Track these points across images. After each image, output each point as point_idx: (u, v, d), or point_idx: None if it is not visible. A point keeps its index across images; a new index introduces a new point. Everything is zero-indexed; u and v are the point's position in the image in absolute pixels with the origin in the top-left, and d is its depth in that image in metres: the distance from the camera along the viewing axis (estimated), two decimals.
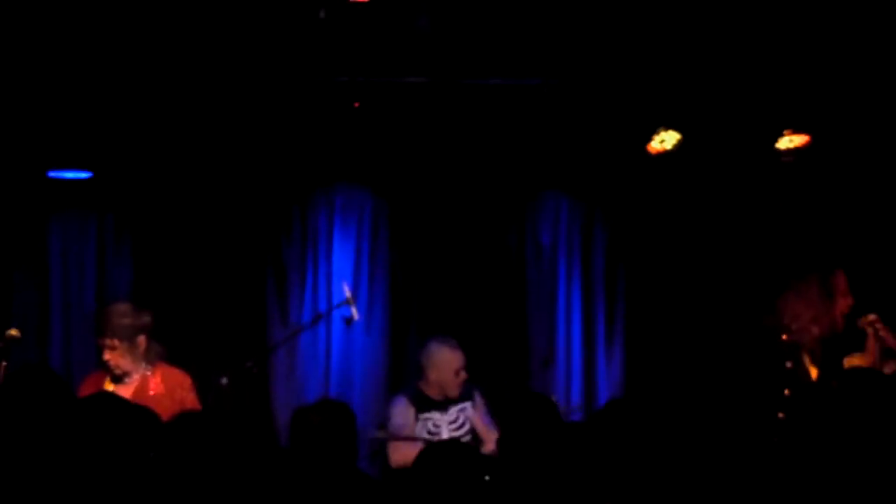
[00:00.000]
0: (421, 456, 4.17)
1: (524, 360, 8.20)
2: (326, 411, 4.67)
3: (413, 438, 6.89)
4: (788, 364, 6.42)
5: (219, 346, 7.83)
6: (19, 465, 4.31)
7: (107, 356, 6.21)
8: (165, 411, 5.80)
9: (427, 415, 6.99)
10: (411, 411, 7.00)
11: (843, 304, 6.52)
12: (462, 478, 4.03)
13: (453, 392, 7.00)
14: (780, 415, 6.23)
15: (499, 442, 4.92)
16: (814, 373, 6.49)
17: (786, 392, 6.31)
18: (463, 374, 7.00)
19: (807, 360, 6.51)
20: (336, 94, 7.31)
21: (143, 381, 6.26)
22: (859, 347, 6.43)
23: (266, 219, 8.10)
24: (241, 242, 8.05)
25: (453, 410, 7.01)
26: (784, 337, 6.45)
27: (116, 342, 6.19)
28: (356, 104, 7.34)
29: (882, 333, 6.37)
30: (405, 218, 8.24)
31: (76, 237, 8.09)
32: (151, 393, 6.19)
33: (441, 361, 7.02)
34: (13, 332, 6.39)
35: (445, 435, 6.89)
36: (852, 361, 6.41)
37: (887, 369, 6.33)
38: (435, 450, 4.26)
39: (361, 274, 8.15)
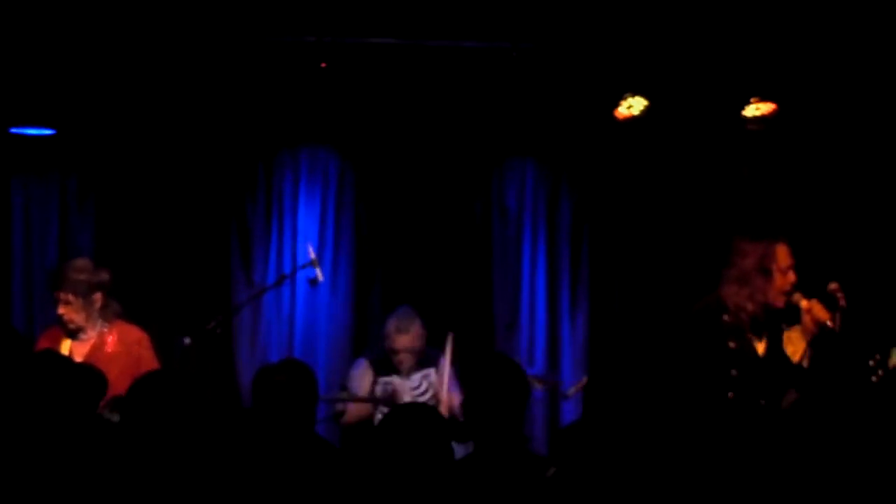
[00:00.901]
0: (384, 419, 4.17)
1: (488, 325, 8.22)
2: (290, 371, 4.66)
3: (372, 400, 6.91)
4: (732, 344, 6.39)
5: (182, 306, 7.82)
6: None
7: (61, 310, 6.21)
8: (122, 368, 5.83)
9: (387, 378, 6.99)
10: (369, 374, 7.02)
11: (782, 280, 6.44)
12: (426, 441, 4.02)
13: (401, 368, 7.00)
14: (730, 395, 6.25)
15: (463, 404, 4.91)
16: (760, 348, 6.46)
17: (733, 373, 6.30)
18: (405, 356, 6.99)
19: (752, 338, 6.42)
20: (303, 53, 7.26)
21: (99, 337, 6.25)
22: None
23: (230, 178, 8.07)
24: (205, 202, 8.02)
25: (416, 377, 7.01)
26: (725, 318, 6.40)
27: (71, 297, 6.18)
28: (323, 64, 7.30)
29: (842, 303, 6.37)
30: (371, 180, 8.22)
31: (39, 197, 8.04)
32: (108, 350, 6.19)
33: (387, 335, 7.05)
34: None
35: (407, 399, 6.88)
36: (790, 335, 6.42)
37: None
38: (398, 413, 4.26)
39: (326, 235, 8.13)
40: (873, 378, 6.14)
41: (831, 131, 7.83)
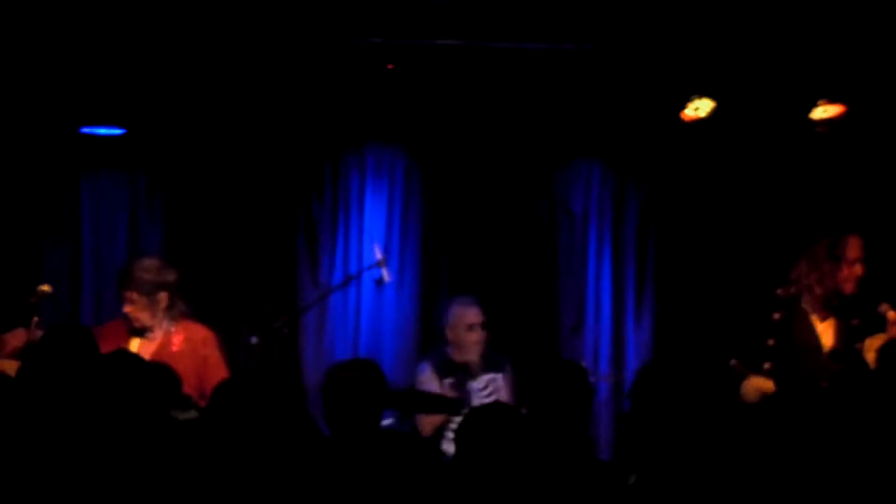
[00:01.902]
0: (466, 418, 4.18)
1: (554, 327, 8.21)
2: (359, 369, 4.70)
3: (447, 402, 6.87)
4: (776, 315, 6.50)
5: (249, 306, 7.87)
6: (46, 421, 4.35)
7: (127, 308, 6.28)
8: (188, 367, 5.89)
9: (452, 380, 6.98)
10: (435, 378, 7.00)
11: (848, 270, 6.56)
12: (506, 442, 4.03)
13: (472, 353, 6.96)
14: (767, 365, 6.33)
15: (527, 410, 4.90)
16: (824, 330, 6.56)
17: (769, 342, 6.39)
18: (478, 332, 6.96)
19: (814, 320, 6.62)
20: (370, 54, 7.30)
21: (166, 336, 6.30)
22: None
23: (298, 178, 8.10)
24: (273, 202, 8.06)
25: (484, 378, 6.99)
26: (779, 291, 6.56)
27: (136, 296, 6.24)
28: (390, 66, 7.33)
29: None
30: (437, 180, 8.23)
31: (108, 196, 8.11)
32: (174, 349, 6.23)
33: (454, 318, 7.03)
34: (45, 287, 6.47)
35: (476, 402, 6.84)
36: (872, 343, 6.43)
37: None
38: (479, 412, 4.26)
39: (393, 236, 8.15)
40: None
41: None
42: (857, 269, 6.60)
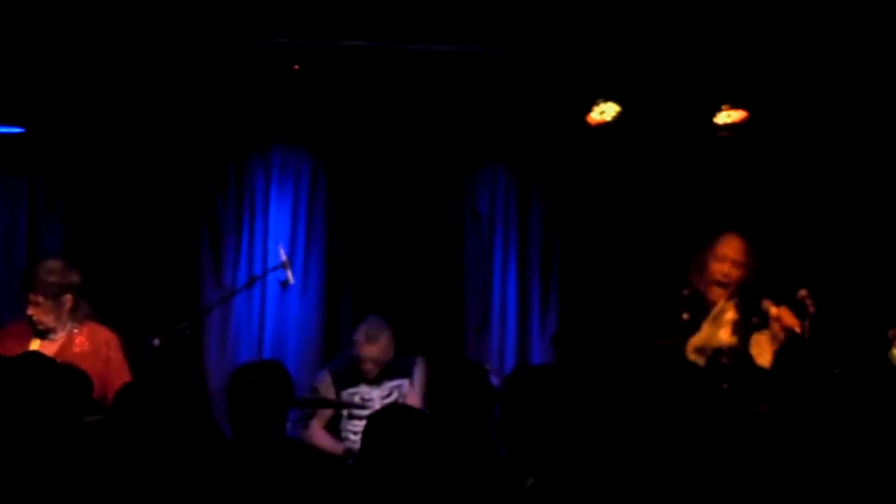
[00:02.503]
0: (370, 420, 4.17)
1: (459, 328, 8.22)
2: (264, 371, 4.65)
3: (342, 405, 6.91)
4: (685, 316, 6.60)
5: (152, 308, 7.77)
6: None
7: (30, 311, 6.17)
8: (90, 369, 5.75)
9: (353, 389, 7.00)
10: (332, 389, 7.03)
11: (717, 266, 6.65)
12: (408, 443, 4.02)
13: (367, 376, 7.03)
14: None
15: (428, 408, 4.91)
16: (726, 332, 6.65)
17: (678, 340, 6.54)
18: (369, 366, 7.00)
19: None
20: (276, 55, 7.26)
21: (68, 338, 6.20)
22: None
23: (201, 178, 8.02)
24: (176, 202, 7.97)
25: (388, 385, 7.01)
26: (684, 292, 6.72)
27: (41, 298, 6.14)
28: (296, 66, 7.30)
29: (811, 309, 6.46)
30: (343, 182, 8.19)
31: (7, 196, 7.98)
32: (76, 350, 6.14)
33: (355, 343, 7.08)
34: None
35: (378, 407, 6.87)
36: (758, 338, 6.54)
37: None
38: (382, 414, 4.25)
39: (298, 237, 8.11)
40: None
41: (802, 138, 7.87)
42: (725, 268, 6.64)
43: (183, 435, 3.98)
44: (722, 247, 6.68)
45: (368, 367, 7.01)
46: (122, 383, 4.81)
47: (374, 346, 7.00)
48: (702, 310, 6.66)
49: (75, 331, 6.23)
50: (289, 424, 6.29)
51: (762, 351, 6.57)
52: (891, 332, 6.59)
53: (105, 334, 6.32)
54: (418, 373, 7.07)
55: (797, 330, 6.42)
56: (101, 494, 3.86)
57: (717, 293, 6.63)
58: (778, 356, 6.22)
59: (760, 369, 6.39)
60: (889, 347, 6.57)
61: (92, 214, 7.95)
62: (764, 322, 6.56)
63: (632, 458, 3.90)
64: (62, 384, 4.27)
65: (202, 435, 4.29)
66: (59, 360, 5.58)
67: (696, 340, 6.57)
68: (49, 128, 7.74)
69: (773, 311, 6.51)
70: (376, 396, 6.98)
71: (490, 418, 4.80)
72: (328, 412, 7.08)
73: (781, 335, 6.48)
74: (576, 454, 4.00)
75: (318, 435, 7.04)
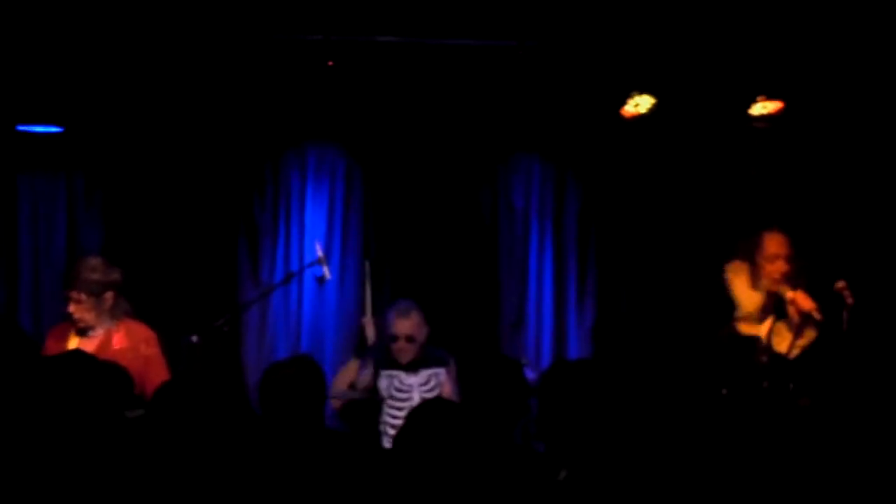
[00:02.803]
0: (410, 416, 4.19)
1: (495, 322, 8.22)
2: (298, 366, 4.68)
3: (378, 398, 6.91)
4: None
5: (190, 305, 7.82)
6: None
7: (72, 308, 6.21)
8: (129, 366, 5.78)
9: (390, 371, 6.98)
10: (370, 367, 7.01)
11: (769, 267, 6.62)
12: (445, 437, 4.03)
13: (400, 357, 6.97)
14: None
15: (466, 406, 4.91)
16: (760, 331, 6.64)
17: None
18: (402, 343, 6.96)
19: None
20: (310, 52, 7.27)
21: (107, 335, 6.24)
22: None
23: (238, 176, 8.06)
24: (213, 200, 8.02)
25: (424, 373, 7.00)
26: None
27: (83, 296, 6.18)
28: (330, 63, 7.31)
29: (849, 301, 6.45)
30: (378, 178, 8.21)
31: (46, 194, 8.04)
32: (115, 347, 6.18)
33: (388, 324, 7.05)
34: None
35: (417, 397, 6.87)
36: (779, 327, 6.54)
37: (804, 340, 6.46)
38: (421, 409, 4.26)
39: (334, 233, 8.13)
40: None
41: (838, 129, 7.83)
42: (780, 266, 6.64)
43: (222, 431, 4.00)
44: (769, 246, 6.67)
45: (402, 345, 6.94)
46: (161, 380, 4.82)
47: (406, 322, 6.95)
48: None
49: (114, 328, 6.27)
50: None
51: (781, 339, 6.59)
52: None
53: (143, 331, 6.36)
54: (452, 367, 7.07)
55: (814, 314, 6.45)
56: (142, 489, 3.89)
57: (782, 290, 6.63)
58: (813, 348, 6.24)
59: (786, 361, 6.41)
60: None
61: (130, 212, 8.00)
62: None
63: (666, 452, 3.90)
64: (104, 381, 4.29)
65: (241, 430, 4.32)
66: (98, 357, 5.66)
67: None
68: (87, 126, 7.79)
69: (789, 294, 6.55)
70: (414, 384, 6.96)
71: (525, 413, 4.81)
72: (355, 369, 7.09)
73: (797, 318, 6.51)
74: (611, 448, 4.00)
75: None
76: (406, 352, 6.97)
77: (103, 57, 7.15)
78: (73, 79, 7.29)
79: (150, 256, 7.90)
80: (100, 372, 4.33)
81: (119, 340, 6.25)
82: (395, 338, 6.97)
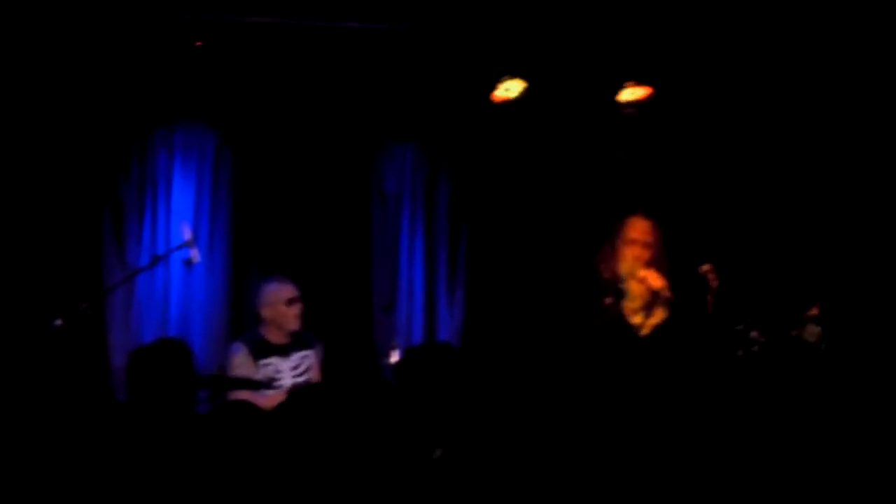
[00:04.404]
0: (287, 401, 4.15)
1: (367, 306, 8.20)
2: (164, 351, 4.60)
3: (255, 383, 6.85)
4: (608, 300, 6.65)
5: (53, 287, 7.65)
6: None
7: None
8: None
9: (267, 360, 6.96)
10: (250, 359, 6.95)
11: (628, 251, 6.71)
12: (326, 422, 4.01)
13: (293, 324, 7.00)
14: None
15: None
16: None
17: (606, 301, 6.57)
18: (297, 305, 7.02)
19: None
20: (180, 31, 7.17)
21: None
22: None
23: (104, 155, 7.88)
24: (77, 180, 7.84)
25: (295, 356, 7.01)
26: (604, 276, 6.73)
27: None
28: (198, 43, 7.22)
29: (713, 284, 6.56)
30: (248, 160, 8.12)
31: None
32: None
33: (271, 296, 7.05)
34: None
35: (288, 381, 6.90)
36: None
37: (654, 318, 6.57)
38: (301, 395, 4.23)
39: (202, 215, 8.02)
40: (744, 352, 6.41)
41: (706, 116, 7.95)
42: (636, 251, 6.72)
43: (83, 415, 3.94)
44: (631, 231, 6.75)
45: (298, 306, 7.00)
46: None
47: (291, 284, 7.05)
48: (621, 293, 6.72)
49: None
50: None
51: (633, 317, 6.69)
52: (807, 313, 6.71)
53: None
54: (320, 350, 7.06)
55: (663, 292, 6.56)
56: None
57: (635, 269, 6.70)
58: (666, 327, 6.37)
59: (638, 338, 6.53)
60: (803, 325, 6.70)
61: None
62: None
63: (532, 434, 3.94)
64: None
65: (102, 416, 4.26)
66: None
67: None
68: None
69: (641, 272, 6.63)
70: (286, 369, 6.95)
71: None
72: (242, 395, 6.97)
73: (647, 296, 6.62)
74: (480, 431, 4.02)
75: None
76: (301, 315, 7.01)
77: None
78: None
79: (12, 237, 7.70)
80: None
81: None
82: (291, 301, 7.00)
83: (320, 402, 4.06)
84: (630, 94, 7.68)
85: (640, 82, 7.63)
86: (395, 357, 6.90)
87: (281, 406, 4.13)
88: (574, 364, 6.49)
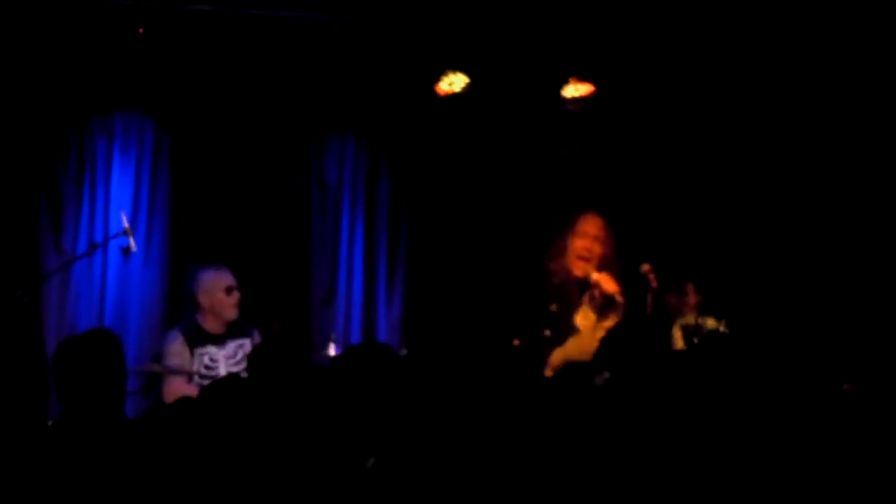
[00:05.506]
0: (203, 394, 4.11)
1: (305, 299, 8.17)
2: (93, 341, 4.53)
3: (186, 372, 6.82)
4: (553, 307, 6.62)
5: None
6: None
7: None
8: None
9: (203, 349, 6.92)
10: (185, 348, 6.92)
11: (577, 243, 6.69)
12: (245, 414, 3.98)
13: (230, 313, 6.97)
14: (547, 332, 6.48)
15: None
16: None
17: (546, 333, 6.52)
18: (236, 294, 6.99)
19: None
20: (119, 17, 7.10)
21: None
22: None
23: (40, 144, 7.78)
24: (13, 168, 7.73)
25: (232, 345, 6.98)
26: (553, 281, 6.65)
27: None
28: (140, 29, 7.16)
29: (653, 284, 6.57)
30: (188, 149, 8.04)
31: None
32: None
33: (208, 283, 7.01)
34: None
35: (223, 370, 6.86)
36: (585, 310, 6.63)
37: (608, 322, 6.55)
38: (217, 387, 4.19)
39: (140, 204, 7.94)
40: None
41: (650, 112, 7.97)
42: (587, 243, 6.69)
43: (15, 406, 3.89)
44: (582, 224, 6.72)
45: (236, 294, 6.97)
46: None
47: (229, 272, 7.03)
48: (568, 302, 6.68)
49: None
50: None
51: (585, 317, 6.67)
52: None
53: None
54: (257, 338, 7.05)
55: (617, 297, 6.56)
56: None
57: (580, 267, 6.67)
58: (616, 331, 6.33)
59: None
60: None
61: None
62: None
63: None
64: None
65: (34, 407, 4.20)
66: None
67: (560, 354, 6.55)
68: None
69: (594, 276, 6.62)
70: (221, 358, 6.92)
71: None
72: (180, 385, 6.91)
73: (600, 300, 6.60)
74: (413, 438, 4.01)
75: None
76: (237, 302, 6.99)
77: None
78: None
79: None
80: None
81: None
82: (230, 289, 6.98)
83: (241, 394, 4.02)
84: (574, 90, 7.68)
85: (583, 79, 7.63)
86: (332, 350, 6.90)
87: (199, 398, 4.08)
88: (515, 368, 6.46)
